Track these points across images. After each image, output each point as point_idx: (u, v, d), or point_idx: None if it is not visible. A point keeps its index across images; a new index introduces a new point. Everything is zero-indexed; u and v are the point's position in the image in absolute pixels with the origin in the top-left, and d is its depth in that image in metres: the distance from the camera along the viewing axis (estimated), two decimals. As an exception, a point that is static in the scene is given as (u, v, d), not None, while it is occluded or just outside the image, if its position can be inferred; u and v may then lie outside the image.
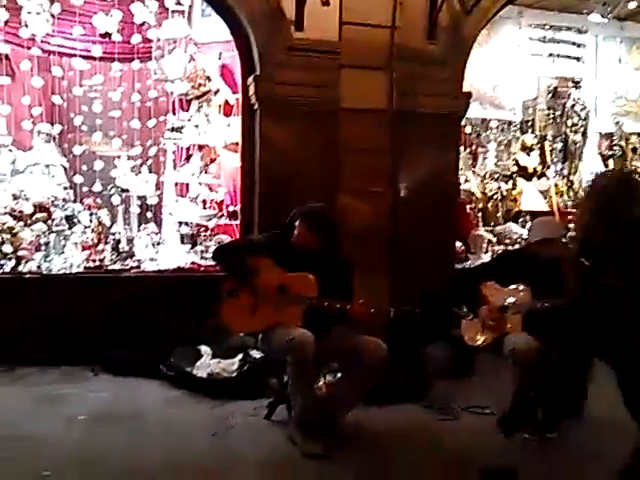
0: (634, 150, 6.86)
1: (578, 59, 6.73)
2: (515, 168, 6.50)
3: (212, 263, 4.87)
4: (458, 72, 4.85)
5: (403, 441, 3.44)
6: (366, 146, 4.70)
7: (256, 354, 4.16)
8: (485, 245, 5.58)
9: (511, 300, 3.68)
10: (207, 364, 4.10)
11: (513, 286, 3.72)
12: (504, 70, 6.38)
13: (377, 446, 3.35)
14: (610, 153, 6.85)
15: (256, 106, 4.58)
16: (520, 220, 6.21)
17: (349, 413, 3.37)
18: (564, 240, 3.72)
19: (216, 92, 5.63)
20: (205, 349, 4.29)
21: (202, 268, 4.84)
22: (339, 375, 3.55)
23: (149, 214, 5.60)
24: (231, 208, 5.09)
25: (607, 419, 3.49)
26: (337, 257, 3.51)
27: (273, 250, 3.36)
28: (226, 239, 5.16)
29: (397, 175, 4.76)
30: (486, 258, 5.56)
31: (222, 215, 5.05)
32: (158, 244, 5.14)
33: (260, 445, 3.30)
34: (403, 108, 4.71)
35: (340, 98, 4.57)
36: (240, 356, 4.14)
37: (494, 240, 5.73)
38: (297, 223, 3.38)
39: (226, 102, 5.32)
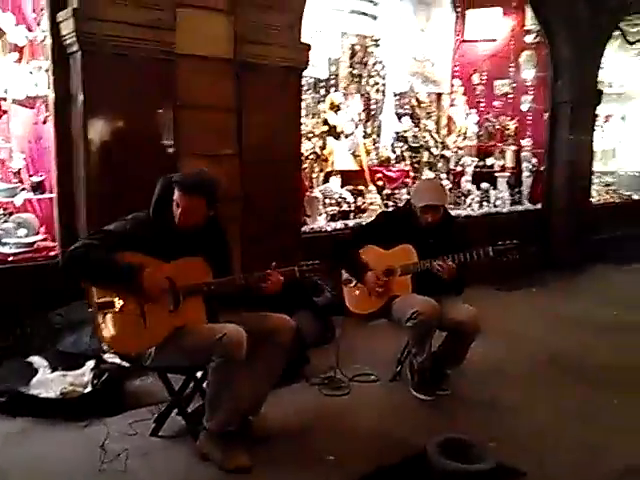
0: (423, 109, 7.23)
1: (375, 17, 6.82)
2: (325, 127, 6.37)
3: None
4: (297, 21, 4.47)
5: (315, 426, 3.12)
6: (210, 101, 4.09)
7: (112, 358, 3.41)
8: (320, 207, 5.38)
9: (398, 262, 3.55)
10: (48, 380, 3.21)
11: (397, 247, 3.59)
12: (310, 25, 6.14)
13: (291, 438, 2.97)
14: (403, 112, 7.13)
15: (73, 49, 3.63)
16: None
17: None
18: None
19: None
20: (38, 360, 3.36)
21: (10, 258, 3.78)
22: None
23: None
24: (35, 178, 4.04)
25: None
26: (218, 228, 2.96)
27: (142, 239, 2.65)
28: (30, 218, 4.13)
29: (243, 135, 4.25)
30: (321, 220, 5.39)
31: (23, 188, 3.98)
32: None
33: (167, 470, 2.67)
34: (246, 58, 4.18)
35: (176, 43, 3.86)
36: (90, 364, 3.33)
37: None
38: (178, 197, 2.70)
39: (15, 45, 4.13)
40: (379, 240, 3.64)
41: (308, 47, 4.54)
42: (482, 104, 7.57)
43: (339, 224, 5.37)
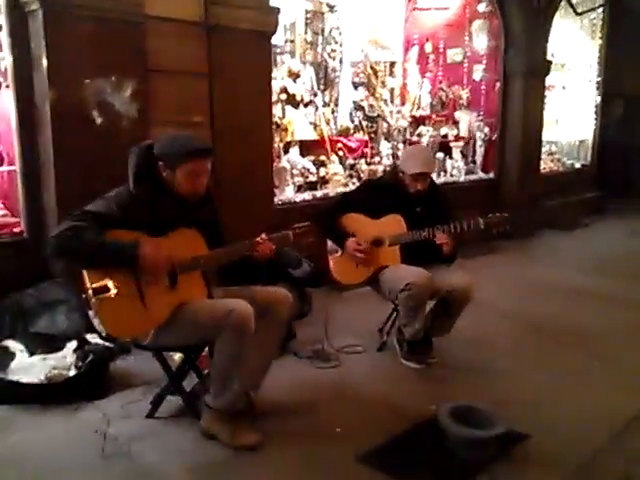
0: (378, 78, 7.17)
1: (329, -18, 6.66)
2: (284, 96, 6.21)
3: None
4: (266, -18, 4.30)
5: (315, 400, 3.08)
6: (180, 66, 3.90)
7: (94, 338, 3.23)
8: (288, 178, 5.26)
9: (386, 232, 3.52)
10: (27, 364, 3.01)
11: (386, 217, 3.55)
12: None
13: (294, 413, 2.92)
14: (359, 81, 7.05)
15: (32, 7, 3.34)
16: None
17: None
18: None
19: None
20: (13, 344, 3.14)
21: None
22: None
23: None
24: (-11, 150, 3.74)
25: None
26: (210, 195, 2.82)
27: (130, 216, 2.45)
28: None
29: (214, 101, 4.08)
30: (289, 192, 5.28)
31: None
32: None
33: (174, 452, 2.56)
34: (217, 21, 3.99)
35: (144, 3, 3.63)
36: (71, 345, 3.15)
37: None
38: (194, 165, 2.53)
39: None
40: (364, 209, 3.60)
41: (278, 10, 4.38)
42: (435, 73, 7.56)
43: (307, 195, 5.29)
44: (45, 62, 3.34)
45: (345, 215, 3.59)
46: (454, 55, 7.57)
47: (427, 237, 3.40)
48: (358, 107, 6.88)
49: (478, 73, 7.49)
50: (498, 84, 7.29)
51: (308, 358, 3.56)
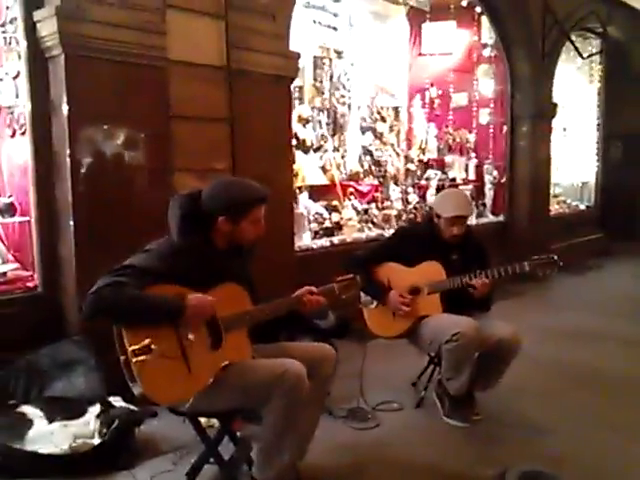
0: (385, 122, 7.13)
1: (336, 29, 6.66)
2: (294, 141, 6.11)
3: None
4: (286, 28, 4.22)
5: (361, 464, 2.85)
6: (202, 112, 3.77)
7: (117, 401, 2.99)
8: (306, 224, 5.10)
9: (424, 280, 3.35)
10: (47, 432, 2.74)
11: (422, 264, 3.38)
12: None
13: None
14: (366, 126, 7.00)
15: (53, 52, 3.21)
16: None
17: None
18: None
19: None
20: (31, 410, 2.88)
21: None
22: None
23: None
24: (4, 200, 3.53)
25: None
26: (253, 248, 2.64)
27: (174, 271, 2.25)
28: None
29: (235, 147, 3.94)
30: (307, 238, 5.11)
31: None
32: None
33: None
34: (239, 66, 3.89)
35: (167, 47, 3.52)
36: (94, 410, 2.90)
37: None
38: (256, 213, 2.40)
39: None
40: (398, 257, 3.43)
41: (298, 55, 4.31)
42: (441, 117, 7.54)
43: (324, 241, 5.12)
44: (65, 108, 3.19)
45: (379, 265, 3.42)
46: (459, 99, 7.56)
47: (468, 282, 3.23)
48: (366, 152, 6.82)
49: (485, 117, 7.48)
50: (505, 127, 7.27)
51: (343, 417, 3.32)
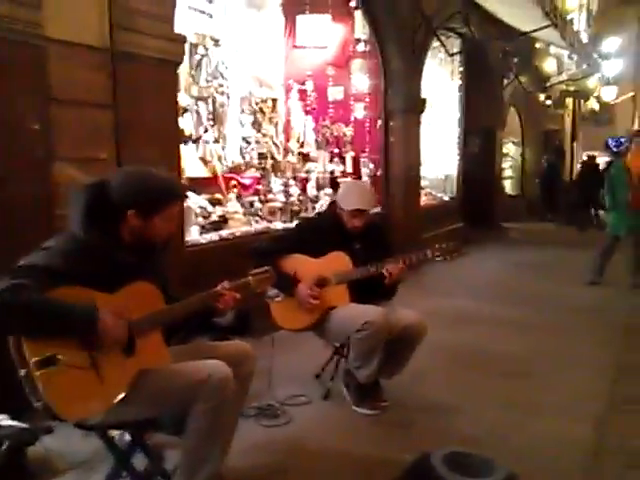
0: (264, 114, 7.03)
1: (211, 16, 6.43)
2: (172, 131, 5.81)
3: None
4: (171, 8, 3.97)
5: (278, 464, 2.76)
6: (83, 96, 3.43)
7: (4, 419, 2.65)
8: (193, 218, 4.87)
9: (331, 270, 3.31)
10: None
11: (328, 255, 3.35)
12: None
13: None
14: (246, 117, 6.85)
15: None
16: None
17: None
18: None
19: None
20: None
21: None
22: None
23: None
24: None
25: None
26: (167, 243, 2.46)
27: (80, 270, 2.01)
28: None
29: (119, 136, 3.64)
30: (194, 232, 4.88)
31: None
32: None
33: None
34: (123, 48, 3.59)
35: (44, 24, 3.16)
36: (-25, 431, 2.54)
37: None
38: (172, 208, 2.21)
39: None
40: (302, 249, 3.37)
41: (184, 39, 4.07)
42: (317, 111, 7.58)
43: (214, 235, 4.92)
44: None
45: (285, 256, 3.34)
46: (335, 93, 7.65)
47: (375, 272, 3.25)
48: (247, 143, 6.67)
49: (360, 111, 7.63)
50: (379, 121, 7.47)
51: (254, 416, 3.20)
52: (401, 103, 7.37)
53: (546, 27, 7.76)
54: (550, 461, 2.79)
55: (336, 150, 7.60)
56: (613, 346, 4.56)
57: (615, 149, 20.29)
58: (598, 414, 3.31)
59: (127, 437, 2.44)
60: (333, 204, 3.51)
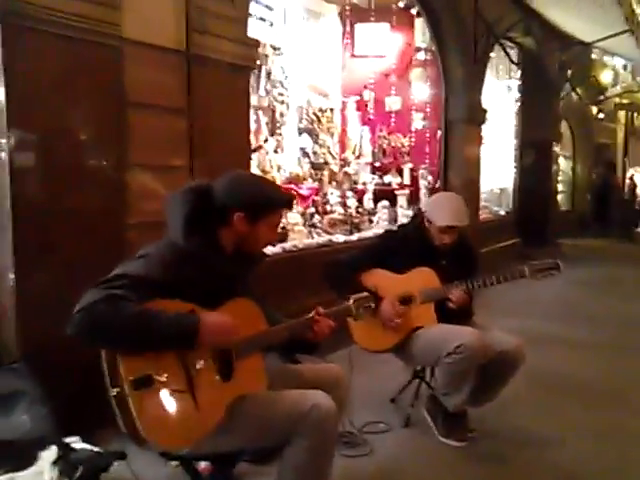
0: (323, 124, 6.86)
1: (272, 24, 6.30)
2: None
3: None
4: (245, 11, 3.83)
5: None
6: (159, 100, 3.30)
7: (76, 442, 2.48)
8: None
9: (416, 287, 3.08)
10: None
11: (413, 271, 3.12)
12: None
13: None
14: (303, 127, 6.70)
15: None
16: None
17: None
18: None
19: None
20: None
21: None
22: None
23: None
24: None
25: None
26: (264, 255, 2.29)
27: (180, 282, 1.83)
28: None
29: (194, 142, 3.50)
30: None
31: None
32: None
33: None
34: (198, 51, 3.45)
35: (122, 24, 3.03)
36: (48, 455, 2.37)
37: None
38: (276, 217, 2.08)
39: None
40: (384, 264, 3.15)
41: (257, 43, 3.92)
42: (374, 121, 7.39)
43: (276, 248, 4.74)
44: (1, 90, 2.63)
45: (365, 271, 3.12)
46: (392, 103, 7.44)
47: (466, 290, 3.01)
48: (304, 154, 6.51)
49: (419, 121, 7.40)
50: (439, 132, 7.23)
51: (333, 444, 2.98)
52: (462, 113, 7.12)
53: (623, 33, 7.38)
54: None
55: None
56: None
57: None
58: None
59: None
60: (418, 216, 3.29)
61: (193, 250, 1.89)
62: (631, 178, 13.24)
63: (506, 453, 2.96)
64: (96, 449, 2.46)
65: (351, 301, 2.33)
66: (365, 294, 2.40)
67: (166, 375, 1.76)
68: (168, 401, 1.77)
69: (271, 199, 2.01)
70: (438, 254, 3.16)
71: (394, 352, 3.17)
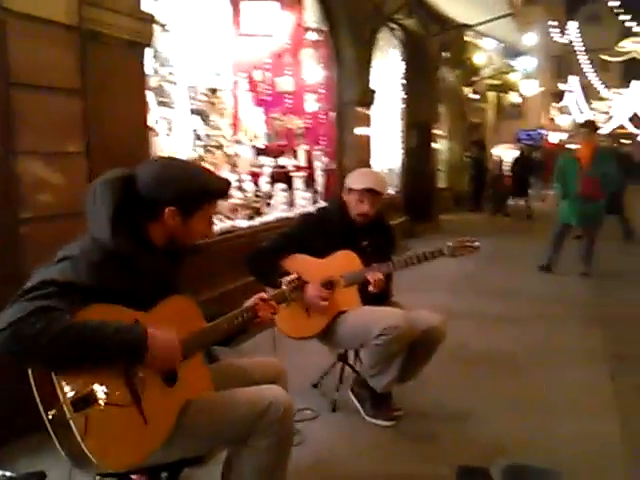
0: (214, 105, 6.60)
1: None
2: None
3: None
4: (138, -15, 3.55)
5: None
6: (50, 80, 2.98)
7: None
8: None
9: (339, 271, 3.04)
10: None
11: (335, 254, 3.08)
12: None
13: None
14: (195, 108, 6.41)
15: None
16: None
17: None
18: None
19: None
20: None
21: None
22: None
23: None
24: None
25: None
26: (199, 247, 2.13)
27: (115, 280, 1.67)
28: None
29: (90, 126, 3.20)
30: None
31: None
32: None
33: None
34: (91, 27, 3.15)
35: (2, -5, 2.69)
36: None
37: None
38: (210, 208, 1.90)
39: None
40: (304, 248, 3.09)
41: (152, 18, 3.66)
42: (268, 102, 7.23)
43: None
44: None
45: (286, 257, 3.03)
46: (284, 84, 7.31)
47: (388, 272, 3.01)
48: (197, 136, 6.24)
49: (312, 103, 7.34)
50: (332, 113, 7.23)
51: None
52: (354, 95, 7.16)
53: (506, 16, 7.71)
54: (589, 460, 2.67)
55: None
56: (596, 337, 4.56)
57: (526, 142, 21.19)
58: (611, 407, 3.24)
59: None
60: (337, 197, 3.25)
61: (122, 250, 1.70)
62: (499, 156, 14.25)
63: (433, 429, 3.02)
64: (8, 474, 2.20)
65: (283, 286, 2.25)
66: (294, 275, 2.35)
67: (107, 390, 1.58)
68: (114, 419, 1.59)
69: (205, 190, 1.84)
70: (358, 235, 3.14)
71: (318, 337, 3.12)
